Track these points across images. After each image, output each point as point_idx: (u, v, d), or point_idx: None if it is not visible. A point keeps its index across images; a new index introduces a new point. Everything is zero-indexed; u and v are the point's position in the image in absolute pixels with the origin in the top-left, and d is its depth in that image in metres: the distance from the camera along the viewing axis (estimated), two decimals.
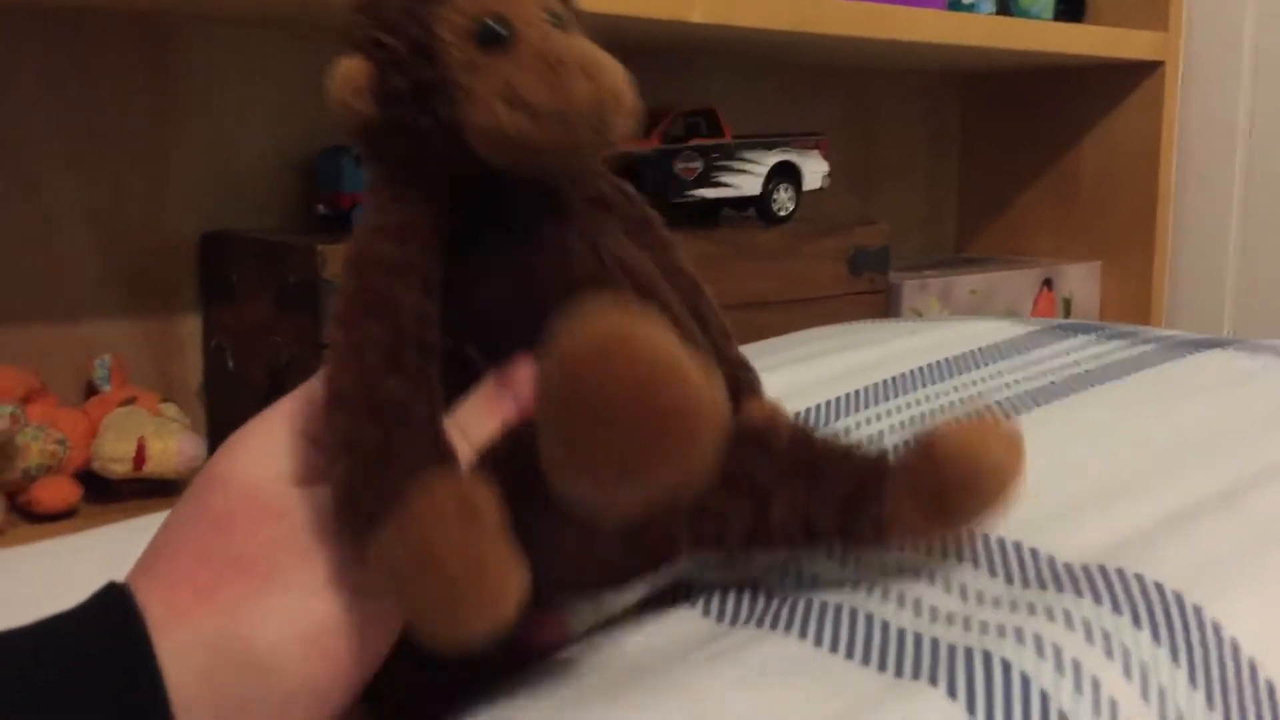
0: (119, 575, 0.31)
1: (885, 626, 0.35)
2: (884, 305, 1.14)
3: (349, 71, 0.33)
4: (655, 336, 0.27)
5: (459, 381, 0.33)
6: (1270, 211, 1.32)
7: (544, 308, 0.32)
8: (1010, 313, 1.26)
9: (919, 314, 1.17)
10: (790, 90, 1.29)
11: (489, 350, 0.34)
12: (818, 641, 0.35)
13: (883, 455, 0.37)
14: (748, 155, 1.04)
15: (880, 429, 0.58)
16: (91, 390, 0.85)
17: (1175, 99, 1.31)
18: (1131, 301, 1.35)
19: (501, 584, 0.28)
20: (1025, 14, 1.21)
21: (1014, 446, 0.36)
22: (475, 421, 0.33)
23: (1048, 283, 1.30)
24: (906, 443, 0.37)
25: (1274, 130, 1.30)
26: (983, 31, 1.09)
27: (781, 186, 1.06)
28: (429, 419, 0.30)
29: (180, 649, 0.28)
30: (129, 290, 0.89)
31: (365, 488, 0.29)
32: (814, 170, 1.09)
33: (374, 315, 0.31)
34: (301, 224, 0.95)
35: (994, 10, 1.18)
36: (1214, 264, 1.36)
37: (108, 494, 0.79)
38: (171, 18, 0.88)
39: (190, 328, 0.92)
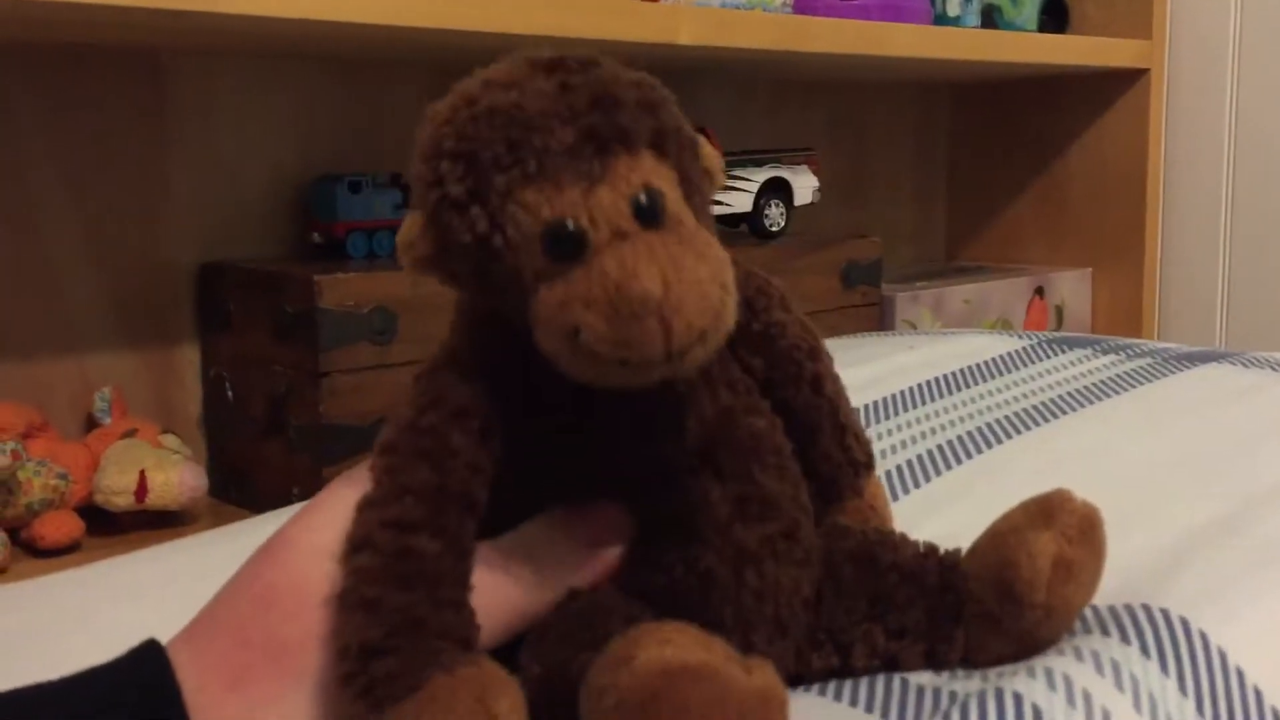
0: (123, 608, 0.31)
1: (905, 683, 0.36)
2: (878, 317, 1.15)
3: (408, 237, 0.30)
4: (702, 669, 0.26)
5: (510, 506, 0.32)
6: (1259, 215, 1.33)
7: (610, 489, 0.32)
8: (1003, 322, 1.27)
9: (913, 325, 1.18)
10: (779, 106, 1.30)
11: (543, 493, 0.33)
12: (837, 697, 0.35)
13: (954, 574, 0.35)
14: (738, 173, 1.04)
15: (882, 448, 0.59)
16: (92, 423, 0.85)
17: (1161, 106, 1.32)
18: (1123, 308, 1.36)
19: None
20: (1010, 25, 1.22)
21: (1099, 553, 0.35)
22: (554, 560, 0.32)
23: (1039, 291, 1.31)
24: (980, 555, 0.35)
25: (1259, 135, 1.31)
26: (967, 45, 1.10)
27: (773, 203, 1.07)
28: (457, 591, 0.29)
29: None
30: (128, 322, 0.89)
31: (380, 655, 0.28)
32: (804, 185, 1.10)
33: (422, 459, 0.30)
34: (297, 253, 0.95)
35: (979, 23, 1.19)
36: (1205, 269, 1.37)
37: (111, 527, 0.79)
38: (167, 51, 0.89)
39: (189, 358, 0.92)
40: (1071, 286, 1.35)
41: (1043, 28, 1.26)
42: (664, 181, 0.30)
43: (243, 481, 0.89)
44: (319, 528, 0.31)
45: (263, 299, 0.84)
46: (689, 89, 1.20)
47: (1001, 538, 0.35)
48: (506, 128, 0.29)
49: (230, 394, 0.89)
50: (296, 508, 0.46)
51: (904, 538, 0.38)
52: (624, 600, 0.33)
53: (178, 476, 0.79)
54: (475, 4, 0.78)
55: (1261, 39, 1.29)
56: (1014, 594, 0.34)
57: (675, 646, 0.26)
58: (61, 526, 0.77)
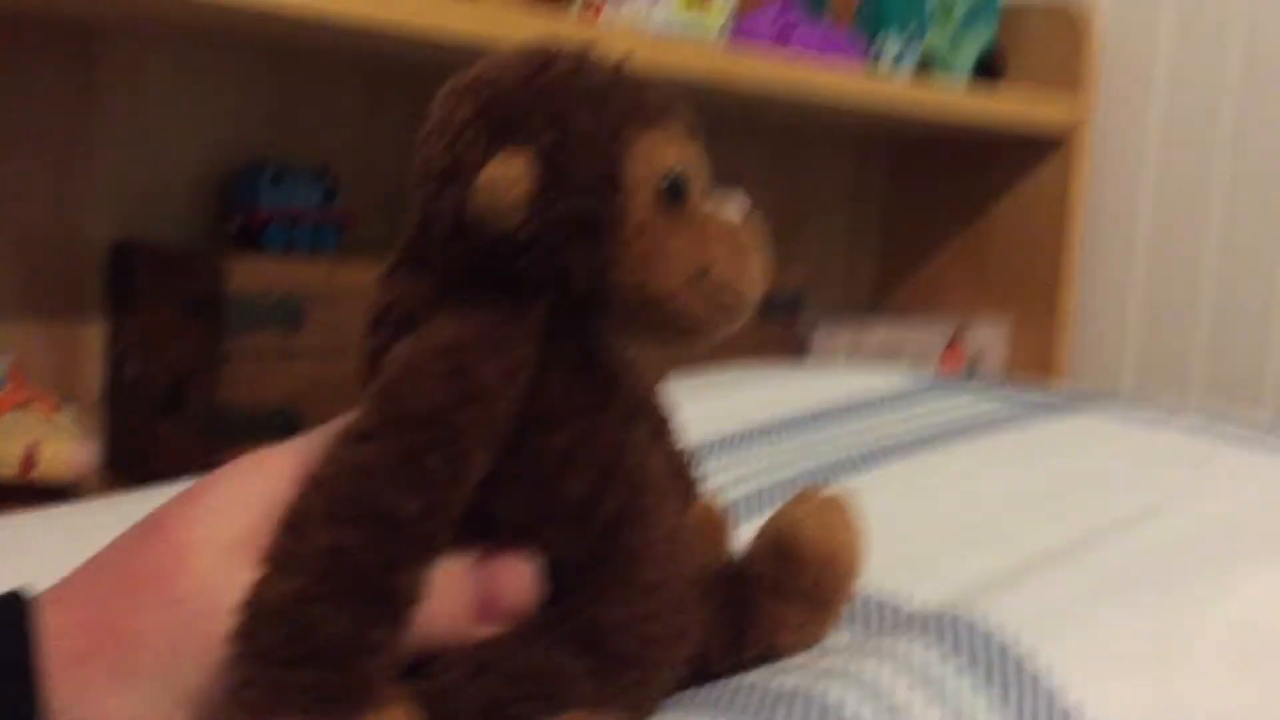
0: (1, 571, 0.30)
1: (722, 674, 0.37)
2: (794, 353, 1.17)
3: (512, 173, 0.28)
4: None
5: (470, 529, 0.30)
6: (1170, 275, 1.37)
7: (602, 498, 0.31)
8: (918, 364, 1.30)
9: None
10: (717, 142, 1.31)
11: (514, 502, 0.30)
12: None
13: (743, 566, 0.37)
14: None
15: (756, 468, 0.61)
16: None
17: (1085, 171, 1.36)
18: (1037, 358, 1.40)
19: None
20: (947, 68, 1.25)
21: (853, 518, 0.38)
22: (428, 621, 0.29)
23: (956, 337, 1.34)
24: (758, 543, 0.38)
25: (1175, 195, 1.36)
26: (898, 94, 1.12)
27: None
28: (405, 624, 0.28)
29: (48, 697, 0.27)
30: (34, 293, 0.89)
31: (309, 665, 0.26)
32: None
33: (414, 487, 0.27)
34: (216, 238, 0.95)
35: (914, 64, 1.22)
36: (1117, 322, 1.41)
37: None
38: (100, 26, 0.89)
39: (94, 334, 0.91)
40: (988, 334, 1.38)
41: (977, 75, 1.30)
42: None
43: (140, 459, 0.88)
44: (216, 508, 0.29)
45: (172, 280, 0.83)
46: None
47: (767, 525, 0.38)
48: (622, 79, 0.31)
49: (132, 372, 0.88)
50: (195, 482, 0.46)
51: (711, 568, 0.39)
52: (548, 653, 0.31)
53: (69, 450, 0.78)
54: (411, 5, 0.79)
55: (1185, 97, 1.34)
56: (788, 553, 0.37)
57: None
58: None
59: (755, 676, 0.37)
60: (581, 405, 0.31)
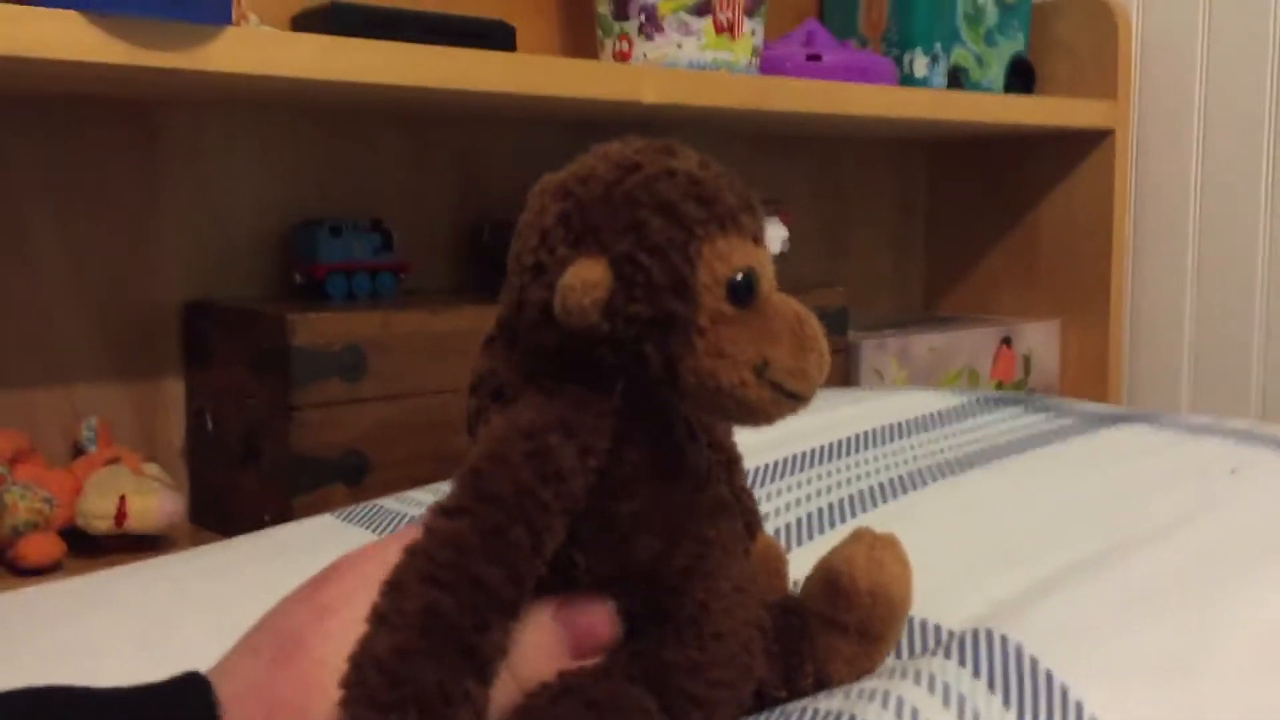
0: (97, 617, 0.34)
1: (777, 701, 0.40)
2: (844, 365, 1.19)
3: (592, 278, 0.32)
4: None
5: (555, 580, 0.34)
6: (1223, 269, 1.37)
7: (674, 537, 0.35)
8: (970, 371, 1.31)
9: (879, 373, 1.21)
10: (757, 158, 1.34)
11: (592, 558, 0.34)
12: None
13: (799, 600, 0.41)
14: None
15: (810, 491, 0.63)
16: (79, 451, 0.90)
17: (1127, 165, 1.36)
18: (1090, 358, 1.39)
19: None
20: (977, 86, 1.27)
21: (902, 556, 0.40)
22: (529, 662, 0.34)
23: (1007, 341, 1.35)
24: (813, 578, 0.41)
25: (1223, 191, 1.35)
26: (930, 104, 1.14)
27: None
28: (491, 678, 0.31)
29: None
30: (116, 356, 0.94)
31: (406, 711, 0.29)
32: (774, 236, 1.14)
33: (500, 559, 0.31)
34: (280, 293, 1.00)
35: (944, 83, 1.24)
36: (1171, 320, 1.41)
37: (92, 550, 0.83)
38: (159, 102, 0.94)
39: (173, 391, 0.96)
40: (1040, 337, 1.39)
41: (1010, 88, 1.31)
42: None
43: (220, 509, 0.93)
44: (349, 640, 0.32)
45: (241, 336, 0.88)
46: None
47: (821, 563, 0.41)
48: (697, 186, 0.33)
49: (210, 426, 0.93)
50: (270, 531, 0.49)
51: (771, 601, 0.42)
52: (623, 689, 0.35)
53: (156, 503, 0.83)
54: (450, 64, 0.83)
55: (1226, 99, 1.34)
56: (840, 589, 0.39)
57: None
58: (44, 548, 0.80)
59: (804, 700, 0.40)
60: (653, 474, 0.35)
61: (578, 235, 0.33)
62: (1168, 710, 0.40)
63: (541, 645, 0.34)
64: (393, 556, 0.32)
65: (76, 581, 0.57)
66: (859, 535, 0.41)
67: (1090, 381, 1.39)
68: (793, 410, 0.33)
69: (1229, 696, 0.41)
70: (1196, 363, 1.40)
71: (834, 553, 0.40)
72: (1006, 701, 0.39)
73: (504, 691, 0.33)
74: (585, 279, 0.32)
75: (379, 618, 0.31)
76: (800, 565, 0.44)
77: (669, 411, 0.36)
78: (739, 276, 0.33)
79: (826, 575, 0.40)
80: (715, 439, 0.41)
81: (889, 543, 0.40)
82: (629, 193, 0.33)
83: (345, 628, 0.32)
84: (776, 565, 0.44)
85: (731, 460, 0.43)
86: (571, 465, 0.32)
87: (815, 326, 0.33)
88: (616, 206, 0.33)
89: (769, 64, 1.06)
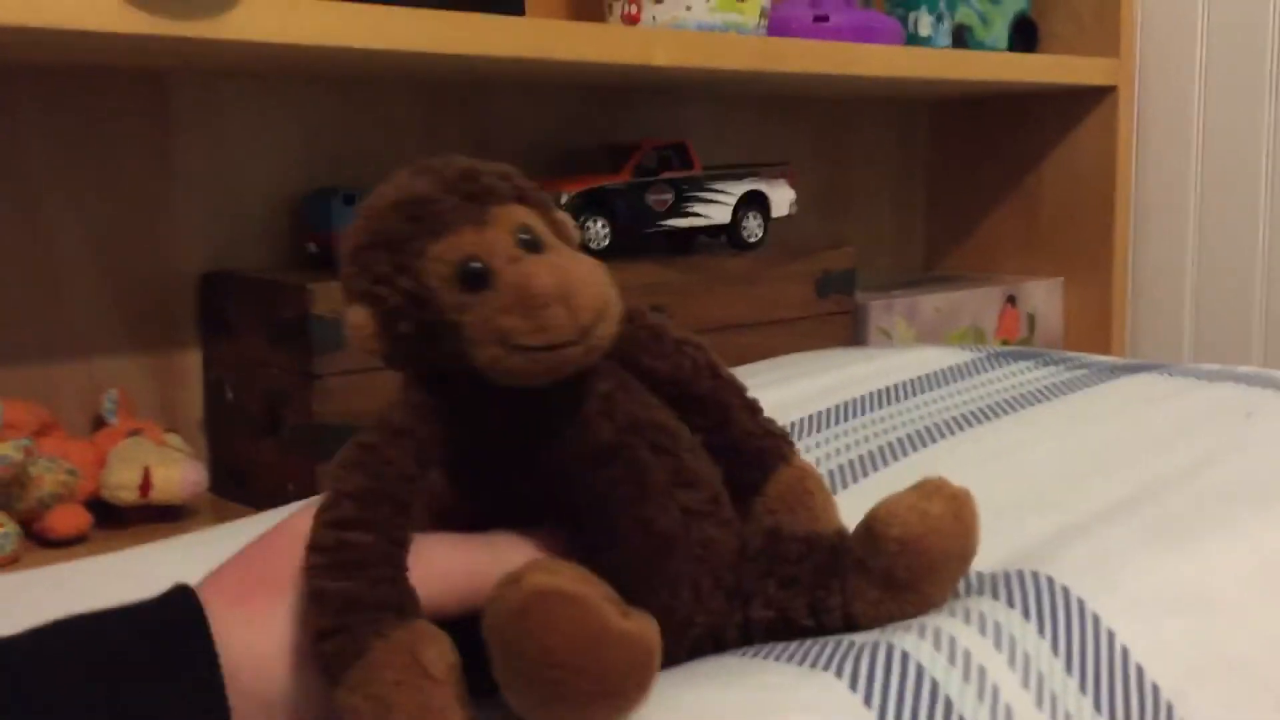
0: (128, 590, 0.37)
1: (807, 631, 0.41)
2: (851, 325, 1.20)
3: (357, 322, 0.37)
4: (574, 597, 0.32)
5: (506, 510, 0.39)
6: (1224, 225, 1.38)
7: (568, 479, 0.38)
8: (975, 330, 1.32)
9: (886, 333, 1.22)
10: (760, 121, 1.35)
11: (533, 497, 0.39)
12: (744, 652, 0.40)
13: (839, 542, 0.41)
14: (717, 186, 1.09)
15: (829, 449, 0.64)
16: (100, 423, 0.90)
17: (1130, 122, 1.36)
18: (1093, 316, 1.41)
19: None
20: (981, 45, 1.27)
21: (961, 513, 0.40)
22: (509, 549, 0.38)
23: (1011, 299, 1.36)
24: (863, 520, 0.41)
25: (1226, 149, 1.36)
26: (937, 64, 1.15)
27: (750, 215, 1.12)
28: (390, 570, 0.35)
29: (220, 638, 0.35)
30: (134, 328, 0.95)
31: (330, 635, 0.33)
32: (781, 198, 1.15)
33: (359, 469, 0.35)
34: (295, 262, 1.00)
35: (949, 43, 1.24)
36: (1173, 277, 1.42)
37: (116, 520, 0.84)
38: (172, 72, 0.94)
39: (192, 362, 0.97)
40: (1043, 295, 1.40)
41: (1013, 46, 1.31)
42: (535, 221, 0.38)
43: (241, 478, 0.94)
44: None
45: (260, 306, 0.89)
46: (671, 105, 1.26)
47: (875, 506, 0.41)
48: (406, 208, 0.37)
49: (230, 396, 0.94)
50: (293, 505, 0.51)
51: (816, 533, 0.42)
52: None
53: (179, 473, 0.84)
54: (464, 29, 0.83)
55: (1227, 56, 1.34)
56: (874, 533, 0.40)
57: (558, 576, 0.32)
58: (70, 519, 0.81)
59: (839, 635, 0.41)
60: (522, 438, 0.38)
61: (343, 287, 0.38)
62: (1193, 638, 0.41)
63: (517, 542, 0.38)
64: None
65: (108, 557, 0.58)
66: (921, 483, 0.41)
67: (1094, 338, 1.40)
68: (564, 358, 0.35)
69: (1250, 625, 0.42)
70: (1198, 319, 1.41)
71: (889, 497, 0.41)
72: (1041, 630, 0.40)
73: (475, 564, 0.37)
74: (354, 324, 0.37)
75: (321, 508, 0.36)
76: None
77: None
78: (462, 268, 0.36)
79: (869, 516, 0.41)
80: (690, 392, 0.43)
81: (947, 495, 0.40)
82: (352, 244, 0.38)
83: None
84: (802, 498, 0.44)
85: (721, 406, 0.43)
86: (400, 462, 0.36)
87: (544, 282, 0.35)
88: (354, 254, 0.38)
89: (776, 25, 1.07)
